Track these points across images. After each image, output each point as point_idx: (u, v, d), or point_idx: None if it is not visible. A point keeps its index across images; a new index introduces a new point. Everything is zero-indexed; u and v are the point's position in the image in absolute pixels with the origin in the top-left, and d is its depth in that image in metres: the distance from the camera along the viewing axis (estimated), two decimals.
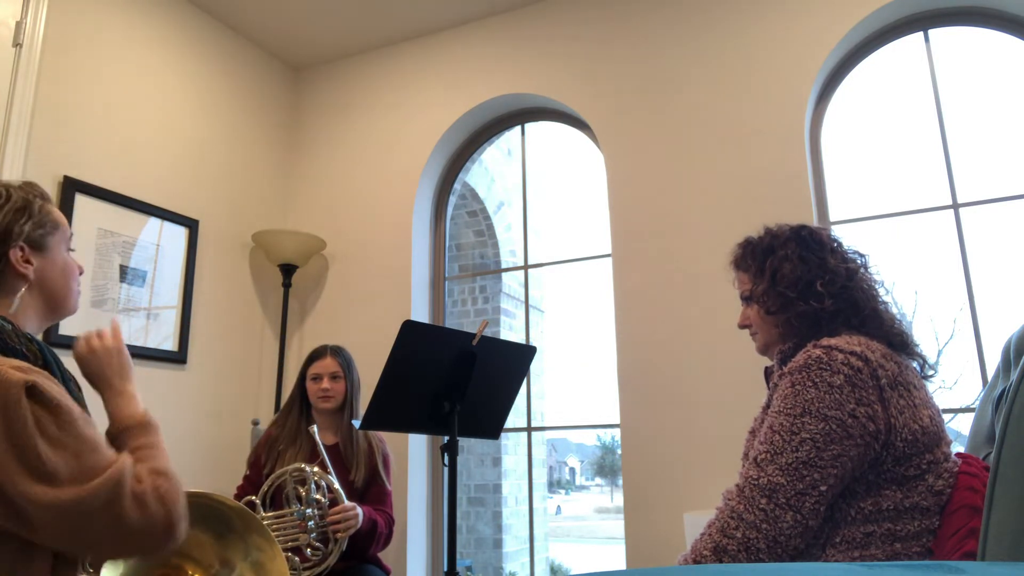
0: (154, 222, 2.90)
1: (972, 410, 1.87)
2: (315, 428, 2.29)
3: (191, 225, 3.05)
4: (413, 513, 3.02)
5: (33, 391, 0.95)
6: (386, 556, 2.61)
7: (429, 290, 3.36)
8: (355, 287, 3.35)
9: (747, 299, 1.40)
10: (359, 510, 2.20)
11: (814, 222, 2.55)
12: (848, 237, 1.37)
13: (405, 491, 3.00)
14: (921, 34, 2.70)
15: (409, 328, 1.75)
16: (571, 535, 14.93)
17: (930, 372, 1.28)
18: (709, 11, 2.88)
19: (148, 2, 3.01)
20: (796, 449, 1.10)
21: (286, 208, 3.61)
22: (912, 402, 1.14)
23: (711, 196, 2.73)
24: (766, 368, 1.40)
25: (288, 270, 3.28)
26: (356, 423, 2.40)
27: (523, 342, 2.14)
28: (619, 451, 2.77)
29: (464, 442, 5.36)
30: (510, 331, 5.66)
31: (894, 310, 1.30)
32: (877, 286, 1.31)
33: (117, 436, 1.09)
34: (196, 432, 2.95)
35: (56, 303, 1.20)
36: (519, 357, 2.02)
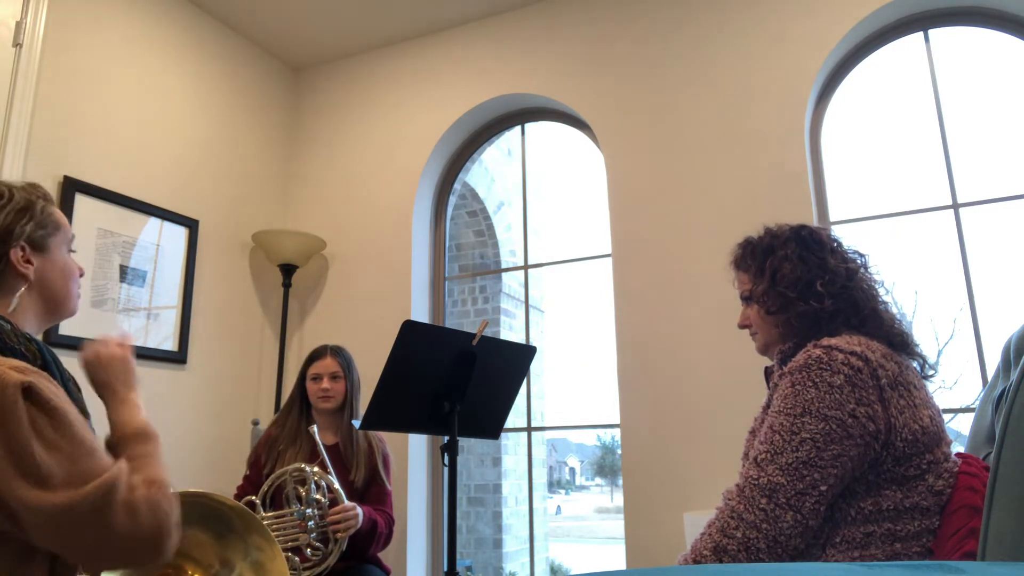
0: (154, 222, 2.90)
1: (972, 410, 1.87)
2: (315, 428, 2.29)
3: (191, 225, 3.05)
4: (413, 513, 3.02)
5: (30, 392, 0.95)
6: (386, 556, 2.61)
7: (429, 290, 3.36)
8: (355, 287, 3.35)
9: (747, 299, 1.40)
10: (359, 510, 2.20)
11: (814, 222, 2.55)
12: (848, 237, 1.37)
13: (405, 491, 3.00)
14: (921, 34, 2.70)
15: (409, 328, 1.75)
16: (571, 535, 14.93)
17: (930, 372, 1.28)
18: (709, 11, 2.88)
19: (148, 2, 3.01)
20: (796, 449, 1.10)
21: (286, 208, 3.61)
22: (912, 402, 1.14)
23: (711, 196, 2.73)
24: (766, 368, 1.40)
25: (288, 270, 3.28)
26: (356, 423, 2.40)
27: (523, 342, 2.14)
28: (619, 451, 2.77)
29: (464, 442, 5.36)
30: (510, 331, 5.66)
31: (894, 310, 1.30)
32: (877, 286, 1.31)
33: (116, 444, 1.08)
34: (196, 432, 2.95)
35: (55, 304, 1.20)
36: (519, 357, 2.02)
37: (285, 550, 2.11)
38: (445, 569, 1.80)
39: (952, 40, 2.73)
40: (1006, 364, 1.52)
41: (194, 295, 3.02)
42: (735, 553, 1.09)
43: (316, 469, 2.20)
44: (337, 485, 2.20)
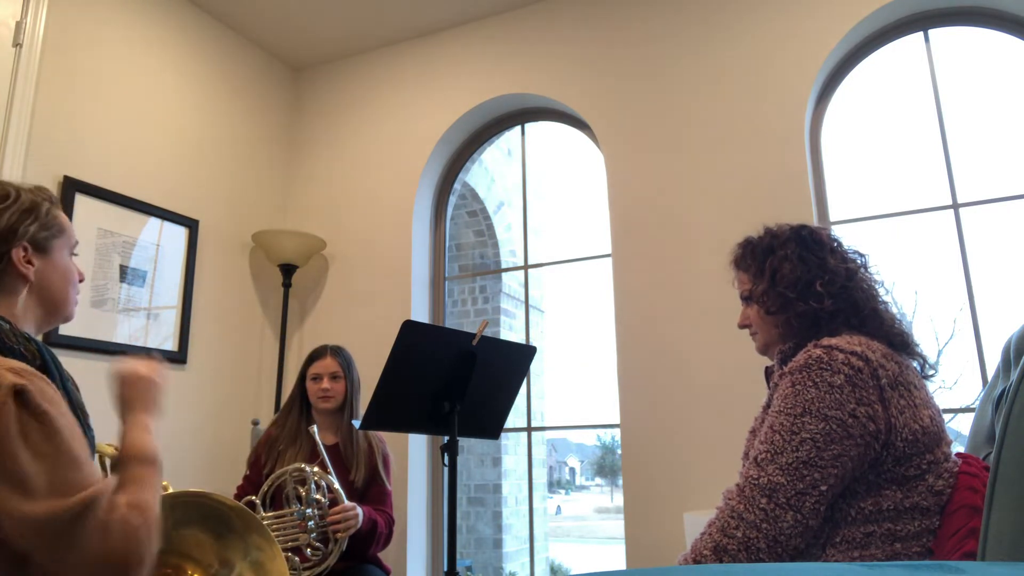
0: (154, 222, 2.90)
1: (972, 410, 1.87)
2: (315, 428, 2.29)
3: (191, 225, 3.05)
4: (413, 513, 3.02)
5: (21, 396, 0.94)
6: (386, 556, 2.61)
7: (429, 290, 3.36)
8: (355, 287, 3.35)
9: (747, 299, 1.40)
10: (359, 510, 2.20)
11: (814, 222, 2.55)
12: (848, 237, 1.37)
13: (405, 491, 3.00)
14: (921, 34, 2.70)
15: (409, 328, 1.75)
16: (571, 535, 14.93)
17: (930, 372, 1.28)
18: (709, 11, 2.88)
19: (148, 2, 3.01)
20: (796, 449, 1.10)
21: (286, 208, 3.61)
22: (912, 402, 1.14)
23: (711, 196, 2.73)
24: (766, 368, 1.40)
25: (288, 270, 3.28)
26: (356, 423, 2.40)
27: (523, 342, 2.14)
28: (619, 451, 2.77)
29: (464, 442, 5.36)
30: (510, 331, 5.66)
31: (894, 310, 1.29)
32: (877, 286, 1.31)
33: (118, 463, 1.07)
34: (196, 432, 2.95)
35: (54, 307, 1.20)
36: (519, 357, 2.02)
37: (285, 550, 2.11)
38: (445, 569, 1.80)
39: (952, 40, 2.73)
40: (1006, 364, 1.52)
41: (194, 295, 3.02)
42: (735, 553, 1.09)
43: (316, 469, 2.20)
44: (337, 485, 2.20)
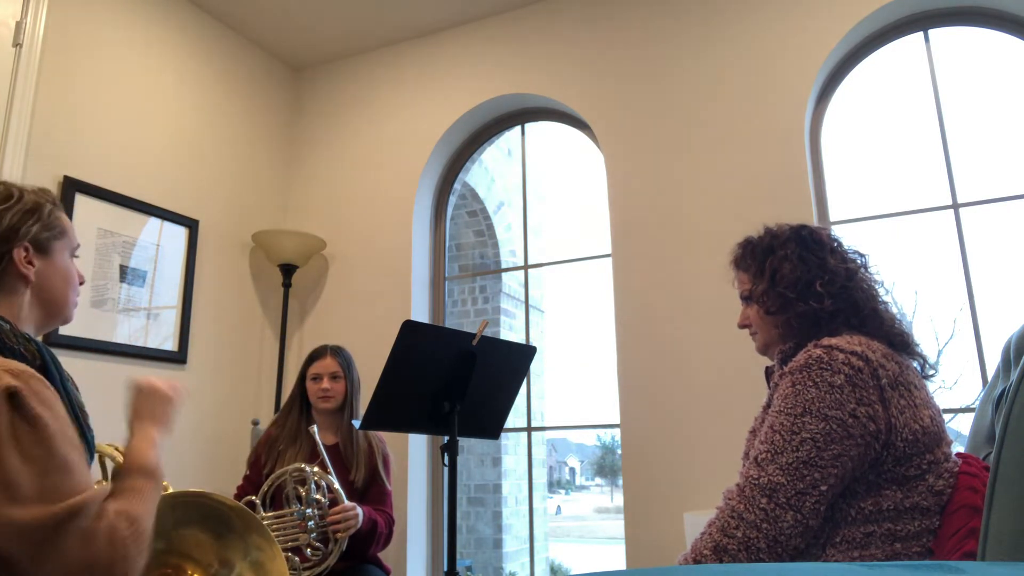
0: (154, 222, 2.90)
1: (972, 410, 1.87)
2: (315, 428, 2.29)
3: (191, 225, 3.05)
4: (413, 513, 3.02)
5: (14, 399, 0.93)
6: (386, 556, 2.61)
7: (429, 290, 3.36)
8: (355, 287, 3.35)
9: (747, 299, 1.40)
10: (359, 510, 2.20)
11: (814, 222, 2.55)
12: (848, 237, 1.37)
13: (405, 491, 3.00)
14: (921, 34, 2.70)
15: (409, 328, 1.75)
16: (571, 535, 14.93)
17: (930, 372, 1.28)
18: (709, 11, 2.88)
19: (148, 2, 3.01)
20: (797, 449, 1.10)
21: (286, 208, 3.61)
22: (913, 402, 1.14)
23: (711, 196, 2.73)
24: (766, 368, 1.40)
25: (288, 270, 3.28)
26: (356, 423, 2.40)
27: (523, 342, 2.14)
28: (619, 451, 2.77)
29: (464, 442, 5.36)
30: (510, 331, 5.66)
31: (894, 310, 1.29)
32: (877, 286, 1.31)
33: (118, 472, 1.07)
34: (196, 432, 2.95)
35: (53, 309, 1.20)
36: (519, 357, 2.03)
37: (285, 550, 2.11)
38: (445, 569, 1.80)
39: (952, 40, 2.73)
40: (1006, 364, 1.52)
41: (194, 295, 3.02)
42: (735, 553, 1.09)
43: (316, 469, 2.20)
44: (337, 485, 2.20)
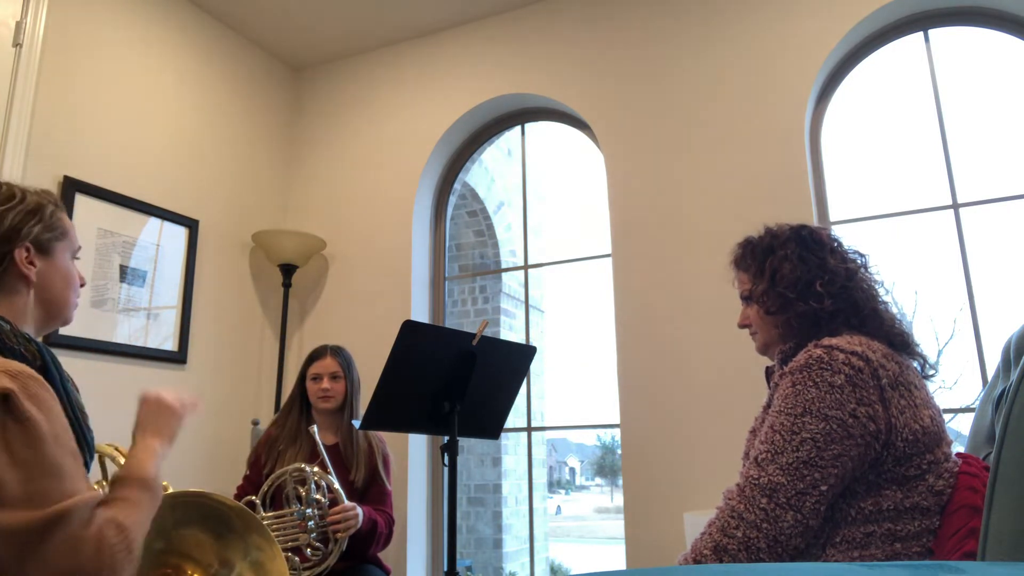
0: (154, 222, 2.90)
1: (972, 410, 1.87)
2: (315, 428, 2.29)
3: (191, 225, 3.05)
4: (413, 513, 3.02)
5: (7, 401, 0.92)
6: (386, 556, 2.61)
7: (429, 290, 3.36)
8: (355, 287, 3.35)
9: (747, 299, 1.40)
10: (359, 510, 2.20)
11: (814, 222, 2.55)
12: (848, 237, 1.37)
13: (405, 491, 3.00)
14: (921, 34, 2.70)
15: (409, 328, 1.75)
16: (571, 535, 14.93)
17: (931, 372, 1.28)
18: (709, 11, 2.88)
19: (148, 2, 3.01)
20: (797, 449, 1.10)
21: (286, 208, 3.61)
22: (913, 402, 1.14)
23: (711, 196, 2.73)
24: (767, 368, 1.40)
25: (288, 270, 3.28)
26: (356, 423, 2.40)
27: (523, 342, 2.14)
28: (619, 451, 2.77)
29: (464, 442, 5.36)
30: (510, 331, 5.66)
31: (894, 310, 1.29)
32: (877, 286, 1.31)
33: (115, 480, 1.06)
34: (196, 432, 2.95)
35: (54, 310, 1.20)
36: (519, 357, 2.02)
37: (285, 550, 2.11)
38: (445, 569, 1.80)
39: (952, 40, 2.73)
40: (1006, 364, 1.52)
41: (194, 295, 3.02)
42: (735, 553, 1.09)
43: (316, 469, 2.20)
44: (337, 485, 2.20)
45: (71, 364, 1.23)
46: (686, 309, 2.68)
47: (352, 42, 3.55)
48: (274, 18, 3.35)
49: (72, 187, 2.59)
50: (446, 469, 1.85)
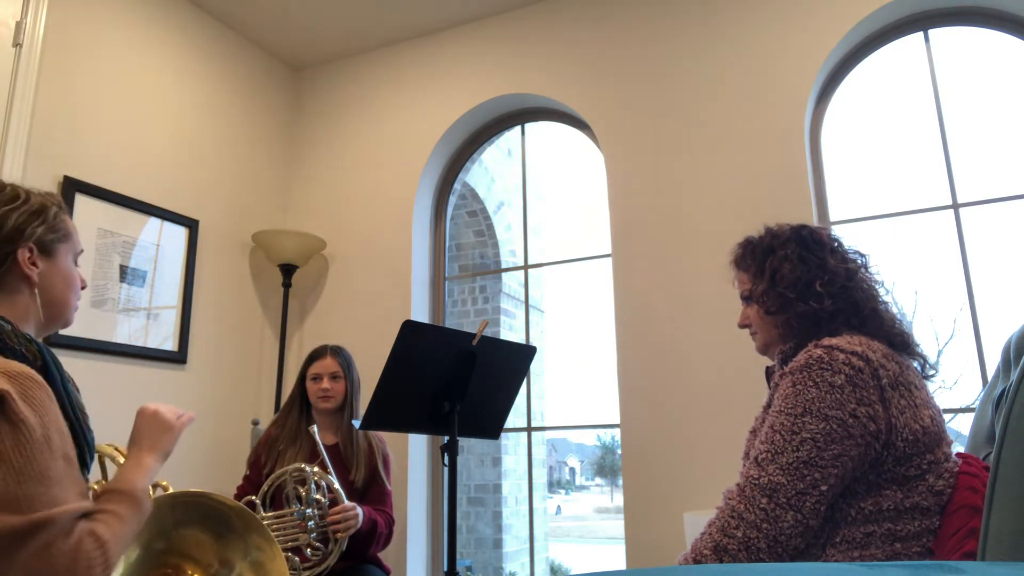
0: (154, 222, 2.90)
1: (972, 410, 1.87)
2: (315, 428, 2.29)
3: (191, 225, 3.05)
4: (413, 513, 3.02)
5: (3, 401, 0.92)
6: (386, 556, 2.61)
7: (429, 290, 3.36)
8: (355, 287, 3.35)
9: (747, 299, 1.40)
10: (359, 510, 2.20)
11: (814, 222, 2.55)
12: (848, 237, 1.37)
13: (405, 491, 3.00)
14: (921, 34, 2.70)
15: (409, 328, 1.75)
16: (571, 535, 14.93)
17: (931, 372, 1.28)
18: (709, 11, 2.88)
19: (148, 2, 3.01)
20: (797, 449, 1.10)
21: (286, 208, 3.61)
22: (913, 402, 1.14)
23: (711, 196, 2.73)
24: (767, 368, 1.40)
25: (288, 270, 3.28)
26: (356, 423, 2.40)
27: (523, 342, 2.14)
28: (619, 451, 2.77)
29: (464, 442, 5.36)
30: (510, 331, 5.66)
31: (894, 310, 1.29)
32: (877, 286, 1.31)
33: (103, 493, 1.06)
34: (196, 432, 2.95)
35: (54, 312, 1.20)
36: (519, 357, 2.02)
37: (285, 550, 2.11)
38: (445, 569, 1.80)
39: (952, 40, 2.73)
40: (1006, 364, 1.52)
41: (194, 295, 3.02)
42: (735, 552, 1.09)
43: (316, 469, 2.20)
44: (337, 485, 2.20)
45: (71, 364, 1.23)
46: (686, 309, 2.68)
47: (352, 42, 3.55)
48: (274, 18, 3.35)
49: (72, 187, 2.59)
50: (446, 469, 1.85)
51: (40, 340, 1.14)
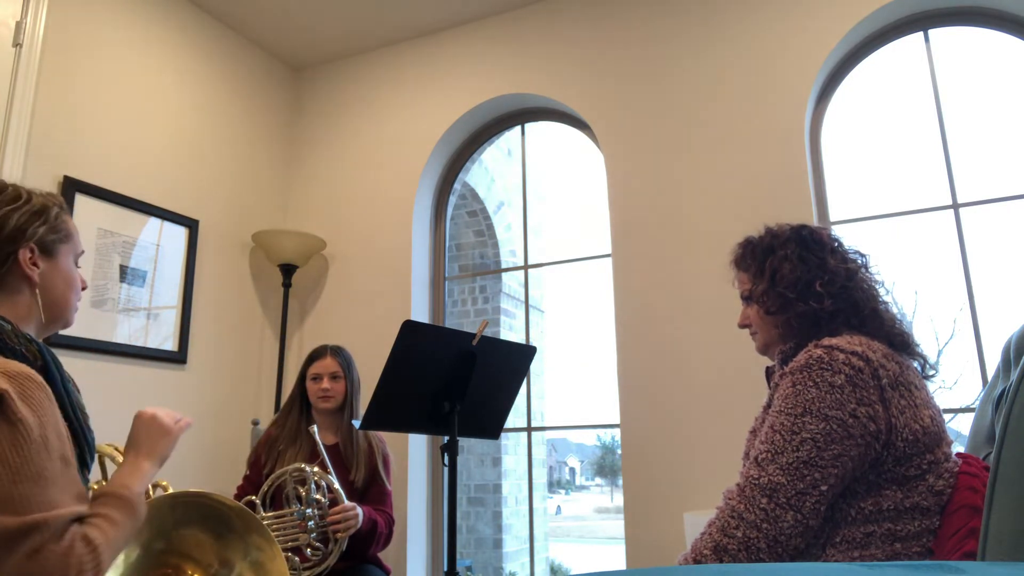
0: (154, 222, 2.90)
1: (972, 410, 1.87)
2: (315, 428, 2.29)
3: (191, 225, 3.05)
4: (413, 513, 3.02)
5: (1, 401, 0.93)
6: (386, 556, 2.61)
7: (429, 290, 3.36)
8: (355, 287, 3.35)
9: (747, 299, 1.40)
10: (359, 510, 2.20)
11: (814, 222, 2.55)
12: (848, 237, 1.37)
13: (405, 491, 3.00)
14: (921, 34, 2.70)
15: (409, 328, 1.75)
16: (571, 535, 14.93)
17: (931, 372, 1.28)
18: (709, 11, 2.88)
19: (148, 2, 3.01)
20: (797, 449, 1.10)
21: (286, 208, 3.61)
22: (913, 402, 1.14)
23: (711, 196, 2.73)
24: (767, 368, 1.40)
25: (288, 270, 3.28)
26: (356, 423, 2.40)
27: (523, 342, 2.14)
28: (619, 451, 2.77)
29: (464, 442, 5.36)
30: (510, 331, 5.66)
31: (894, 310, 1.29)
32: (877, 286, 1.31)
33: (97, 497, 1.06)
34: (196, 432, 2.95)
35: (55, 312, 1.20)
36: (519, 357, 2.02)
37: (285, 550, 2.11)
38: (445, 569, 1.80)
39: (952, 40, 2.73)
40: (1006, 364, 1.52)
41: (194, 295, 3.02)
42: (735, 552, 1.09)
43: (316, 469, 2.20)
44: (337, 485, 2.20)
45: (71, 364, 1.22)
46: (686, 309, 2.68)
47: (352, 42, 3.55)
48: (274, 18, 3.35)
49: (72, 187, 2.59)
50: (446, 469, 1.85)
51: (40, 340, 1.14)
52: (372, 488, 2.40)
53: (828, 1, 2.68)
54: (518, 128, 3.43)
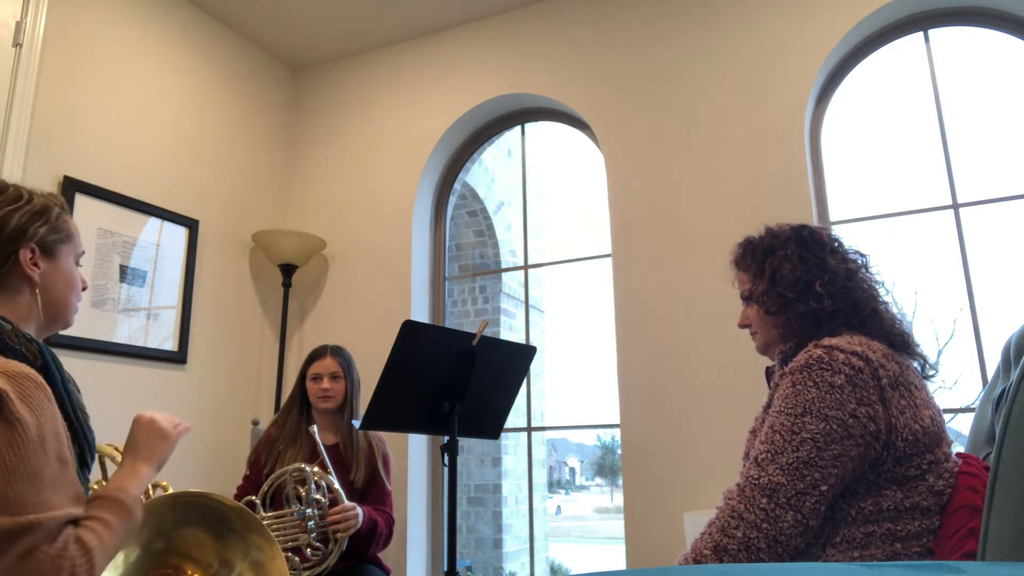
0: (154, 222, 2.90)
1: (972, 410, 1.87)
2: (315, 428, 2.29)
3: (191, 225, 3.05)
4: (413, 513, 3.02)
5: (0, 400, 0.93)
6: (386, 556, 2.61)
7: (429, 290, 3.36)
8: (355, 287, 3.35)
9: (747, 299, 1.40)
10: (359, 510, 2.20)
11: (814, 222, 2.55)
12: (848, 237, 1.37)
13: (405, 491, 3.00)
14: (921, 34, 2.70)
15: (409, 328, 1.75)
16: (571, 535, 14.93)
17: (931, 372, 1.28)
18: (709, 11, 2.88)
19: (148, 2, 3.01)
20: (797, 449, 1.10)
21: (286, 208, 3.61)
22: (913, 402, 1.14)
23: (711, 196, 2.73)
24: (767, 368, 1.40)
25: (288, 270, 3.28)
26: (356, 423, 2.40)
27: (523, 342, 2.14)
28: (619, 451, 2.77)
29: (464, 442, 5.36)
30: (510, 331, 5.66)
31: (894, 310, 1.29)
32: (877, 286, 1.31)
33: (92, 501, 1.06)
34: (196, 432, 2.95)
35: (55, 312, 1.20)
36: (519, 357, 2.02)
37: (285, 550, 2.11)
38: (445, 569, 1.80)
39: (952, 40, 2.73)
40: (1006, 364, 1.52)
41: (194, 295, 3.02)
42: (735, 553, 1.09)
43: (316, 469, 2.20)
44: (337, 485, 2.20)
45: (71, 364, 1.22)
46: (686, 309, 2.68)
47: (352, 42, 3.55)
48: (274, 18, 3.35)
49: (72, 187, 2.59)
50: (446, 469, 1.85)
51: (40, 340, 1.14)
52: (372, 488, 2.40)
53: (828, 1, 2.68)
54: (518, 128, 3.43)
